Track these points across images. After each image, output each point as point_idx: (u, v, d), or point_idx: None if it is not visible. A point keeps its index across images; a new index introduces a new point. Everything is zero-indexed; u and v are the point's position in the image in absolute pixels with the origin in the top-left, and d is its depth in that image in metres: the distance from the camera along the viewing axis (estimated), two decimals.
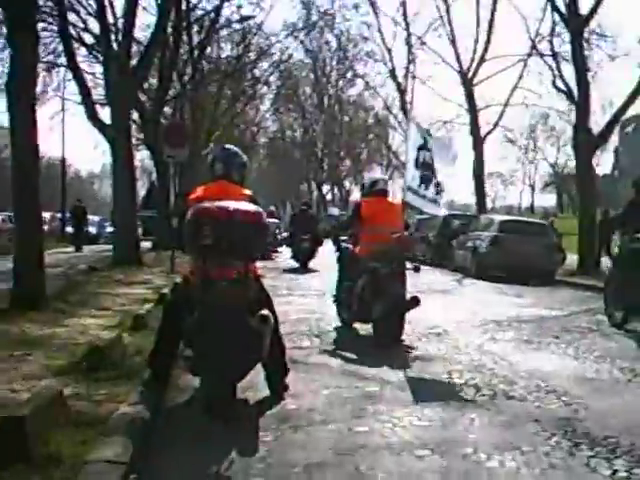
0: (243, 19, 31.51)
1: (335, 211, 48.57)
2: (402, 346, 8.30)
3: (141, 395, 5.52)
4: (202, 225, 5.17)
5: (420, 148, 8.16)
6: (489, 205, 73.14)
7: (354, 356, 7.66)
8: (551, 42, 23.28)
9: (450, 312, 11.63)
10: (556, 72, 22.64)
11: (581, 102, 21.04)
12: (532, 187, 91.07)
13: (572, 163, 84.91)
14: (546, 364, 7.39)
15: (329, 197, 69.31)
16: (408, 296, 8.51)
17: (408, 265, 8.79)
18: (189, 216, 5.26)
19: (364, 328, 9.08)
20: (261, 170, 75.84)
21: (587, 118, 21.04)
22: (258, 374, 5.80)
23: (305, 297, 13.48)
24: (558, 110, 34.06)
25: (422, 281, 17.59)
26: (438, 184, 8.16)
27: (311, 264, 19.99)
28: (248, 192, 5.97)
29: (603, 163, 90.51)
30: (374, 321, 8.44)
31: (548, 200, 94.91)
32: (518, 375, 6.80)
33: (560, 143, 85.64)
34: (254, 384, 5.95)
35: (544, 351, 8.19)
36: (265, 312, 5.29)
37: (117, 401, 5.38)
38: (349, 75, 55.75)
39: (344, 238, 9.73)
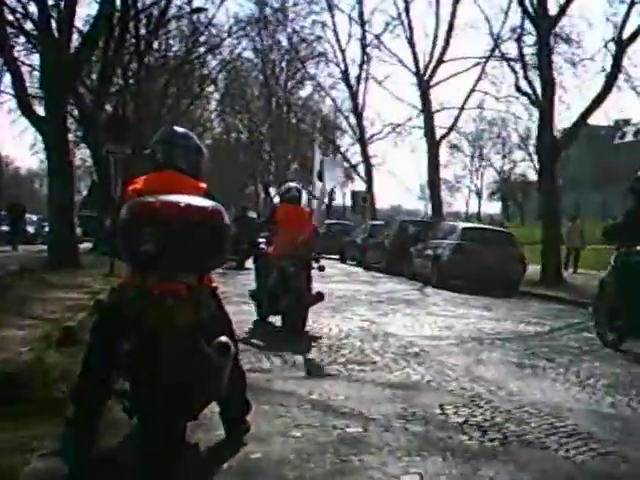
0: (194, 11, 30.14)
1: (254, 214, 47.22)
2: (380, 369, 7.13)
3: (62, 440, 4.25)
4: (140, 226, 3.88)
5: (322, 167, 9.57)
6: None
7: (326, 383, 6.45)
8: (519, 42, 22.39)
9: (422, 327, 10.52)
10: (520, 74, 21.78)
11: (546, 105, 20.19)
12: (478, 194, 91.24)
13: (519, 170, 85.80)
14: (551, 395, 6.27)
15: (277, 200, 68.01)
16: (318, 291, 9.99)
17: (314, 265, 10.03)
18: (123, 214, 3.96)
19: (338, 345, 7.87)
20: (206, 172, 73.96)
21: (552, 122, 20.20)
22: (211, 409, 4.57)
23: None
24: (515, 115, 33.31)
25: (379, 290, 16.59)
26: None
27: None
28: (203, 185, 4.67)
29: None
30: (282, 314, 9.57)
31: (494, 208, 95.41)
32: (524, 410, 5.67)
33: (506, 150, 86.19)
34: (206, 422, 4.71)
35: (543, 378, 7.07)
36: (224, 339, 4.03)
37: (28, 449, 4.12)
38: (299, 76, 54.84)
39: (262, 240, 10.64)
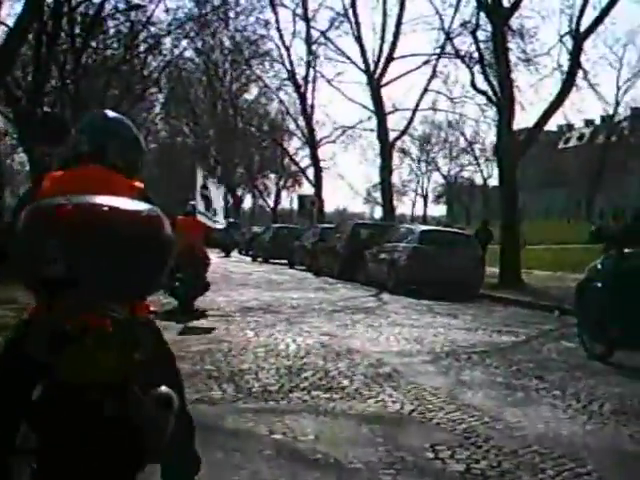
0: (130, 8, 28.74)
1: None
2: (351, 396, 6.10)
3: None
4: (43, 239, 2.74)
5: (202, 187, 11.78)
6: (380, 214, 72.80)
7: (290, 416, 5.40)
8: (474, 35, 21.55)
9: (388, 340, 9.51)
10: (477, 69, 20.99)
11: (504, 103, 19.40)
12: (424, 198, 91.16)
13: (466, 174, 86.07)
14: (557, 427, 5.31)
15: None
16: None
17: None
18: (20, 223, 2.83)
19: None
20: (151, 178, 72.54)
21: (511, 121, 19.41)
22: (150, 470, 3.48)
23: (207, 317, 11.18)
24: (466, 116, 32.67)
25: (335, 298, 15.57)
26: (215, 210, 11.97)
27: None
28: (139, 185, 3.52)
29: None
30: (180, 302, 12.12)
31: (439, 211, 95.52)
32: (532, 450, 4.69)
33: (453, 154, 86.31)
34: None
35: (539, 403, 6.11)
36: (165, 390, 2.93)
37: None
38: (244, 79, 53.66)
39: None
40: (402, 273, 17.23)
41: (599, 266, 8.34)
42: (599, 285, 8.16)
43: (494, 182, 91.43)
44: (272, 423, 5.24)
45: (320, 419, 5.40)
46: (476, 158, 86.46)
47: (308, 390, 6.35)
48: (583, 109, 72.09)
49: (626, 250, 8.04)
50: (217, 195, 12.30)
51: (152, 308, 3.34)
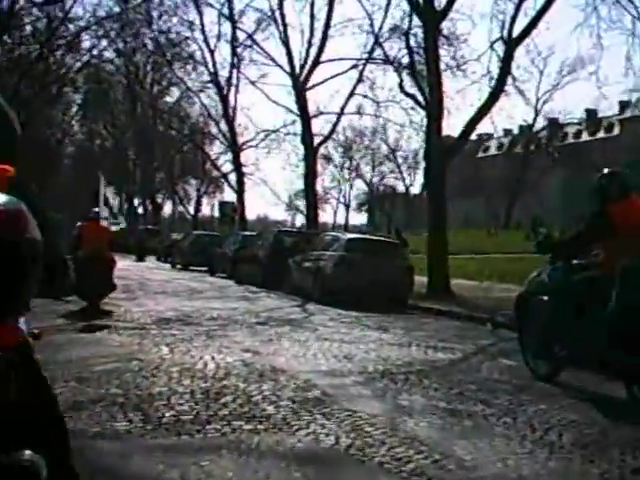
0: (47, 2, 27.37)
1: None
2: (278, 427, 5.28)
3: None
4: None
5: (105, 194, 14.96)
6: (302, 221, 71.99)
7: (207, 455, 4.57)
8: (406, 36, 20.99)
9: (316, 358, 8.73)
10: (407, 74, 20.45)
11: (433, 108, 18.90)
12: (347, 206, 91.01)
13: (389, 181, 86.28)
14: (516, 465, 4.63)
15: (140, 210, 64.91)
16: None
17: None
18: None
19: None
20: (67, 182, 70.26)
21: (440, 126, 18.93)
22: None
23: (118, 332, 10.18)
24: (392, 121, 32.24)
25: (258, 308, 14.73)
26: (116, 215, 15.39)
27: None
28: (8, 170, 2.62)
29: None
30: (88, 299, 12.75)
31: (360, 219, 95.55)
32: None
33: (375, 162, 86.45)
34: None
35: (491, 434, 5.41)
36: (27, 456, 2.09)
37: None
38: (165, 82, 52.36)
39: None
40: (328, 283, 16.49)
41: (545, 279, 7.72)
42: (545, 299, 7.53)
43: (416, 190, 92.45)
44: (185, 465, 4.40)
45: (242, 459, 4.58)
46: (398, 166, 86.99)
47: (228, 420, 5.51)
48: (513, 115, 73.03)
49: (574, 261, 7.46)
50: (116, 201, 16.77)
51: (23, 328, 2.44)
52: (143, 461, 4.54)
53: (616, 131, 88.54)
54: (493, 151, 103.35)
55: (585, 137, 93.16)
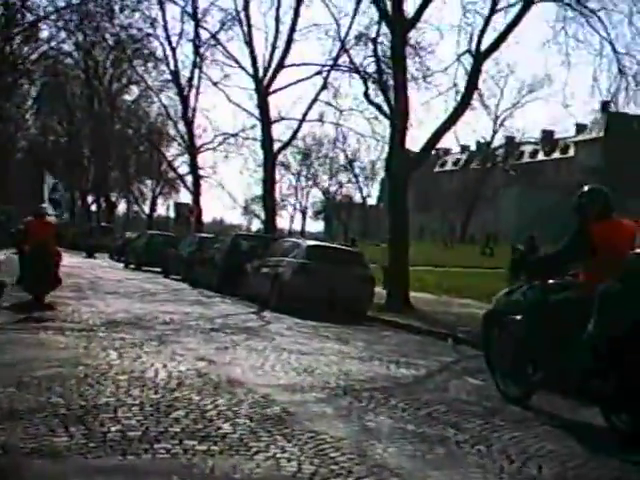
0: None
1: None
2: (234, 449, 4.80)
3: None
4: None
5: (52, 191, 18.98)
6: (258, 226, 71.39)
7: None
8: (374, 42, 20.62)
9: (274, 369, 8.25)
10: (372, 82, 20.08)
11: (398, 118, 18.55)
12: (303, 213, 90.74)
13: (346, 191, 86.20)
14: None
15: (94, 208, 63.71)
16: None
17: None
18: None
19: None
20: (21, 177, 68.73)
21: (404, 137, 18.59)
22: None
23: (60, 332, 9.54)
24: (353, 130, 31.87)
25: (213, 314, 14.21)
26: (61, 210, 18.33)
27: None
28: None
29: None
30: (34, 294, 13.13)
31: (317, 226, 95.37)
32: None
33: (333, 171, 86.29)
34: None
35: (465, 464, 4.99)
36: None
37: None
38: (125, 79, 51.48)
39: None
40: (287, 290, 16.01)
41: (520, 297, 7.33)
42: (518, 318, 7.15)
43: (373, 201, 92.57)
44: None
45: None
46: (356, 176, 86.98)
47: (180, 438, 5.01)
48: (477, 129, 73.34)
49: (551, 281, 7.09)
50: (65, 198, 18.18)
51: None
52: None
53: (571, 152, 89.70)
54: (450, 166, 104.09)
55: (541, 157, 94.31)
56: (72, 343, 8.93)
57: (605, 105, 66.11)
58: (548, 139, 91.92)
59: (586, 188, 6.98)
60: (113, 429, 5.13)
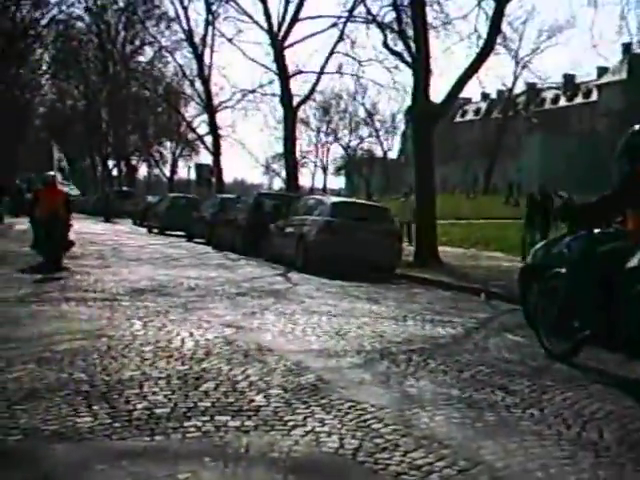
0: None
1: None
2: (269, 424, 4.46)
3: None
4: None
5: (59, 160, 17.30)
6: (280, 185, 70.94)
7: (186, 464, 3.76)
8: None
9: (305, 333, 7.90)
10: (390, 31, 19.41)
11: (420, 65, 17.95)
12: (324, 169, 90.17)
13: (366, 145, 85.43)
14: (561, 476, 3.83)
15: (115, 173, 63.55)
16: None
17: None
18: None
19: None
20: (39, 143, 68.63)
21: (427, 85, 18.00)
22: None
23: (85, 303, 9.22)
24: (374, 81, 31.18)
25: (238, 277, 13.89)
26: (67, 178, 16.46)
27: None
28: None
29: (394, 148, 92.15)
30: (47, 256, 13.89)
31: (338, 183, 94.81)
32: None
33: (352, 125, 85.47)
34: None
35: (518, 430, 4.62)
36: None
37: None
38: (138, 41, 50.87)
39: None
40: (312, 250, 15.63)
41: (564, 249, 6.90)
42: (563, 272, 6.72)
43: (394, 155, 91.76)
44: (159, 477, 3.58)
45: (229, 471, 3.76)
46: (376, 130, 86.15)
47: (210, 414, 4.69)
48: (502, 75, 71.71)
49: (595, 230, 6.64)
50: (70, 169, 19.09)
51: None
52: (106, 472, 3.71)
53: (594, 96, 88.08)
54: (471, 116, 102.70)
55: (563, 102, 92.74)
56: (95, 314, 8.62)
57: (628, 47, 64.89)
58: (570, 84, 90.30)
59: (636, 127, 6.46)
60: (139, 406, 4.81)
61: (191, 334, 7.45)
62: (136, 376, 5.62)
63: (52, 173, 15.97)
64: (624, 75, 78.97)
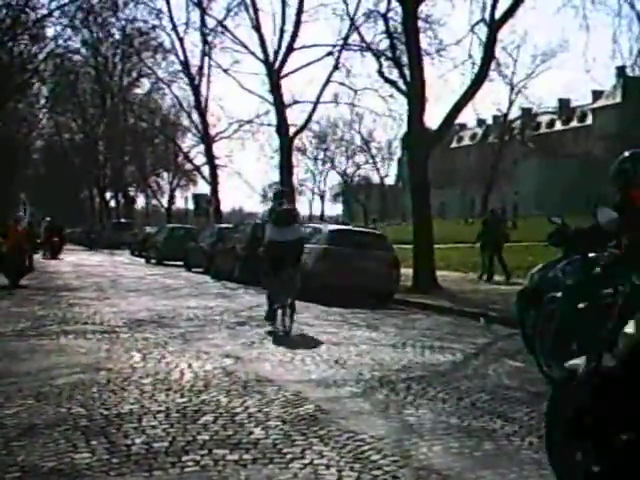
0: None
1: None
2: (267, 457, 4.45)
3: None
4: None
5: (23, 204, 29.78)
6: None
7: None
8: (385, 17, 20.08)
9: (304, 363, 7.90)
10: (385, 59, 19.56)
11: (415, 94, 18.06)
12: (322, 197, 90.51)
13: (362, 172, 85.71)
14: None
15: (113, 204, 63.69)
16: None
17: None
18: None
19: None
20: (37, 177, 68.81)
21: (422, 112, 18.11)
22: None
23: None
24: (369, 109, 31.40)
25: (237, 306, 13.87)
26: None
27: None
28: None
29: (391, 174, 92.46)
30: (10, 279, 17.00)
31: (336, 210, 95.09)
32: None
33: (349, 152, 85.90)
34: None
35: (518, 459, 4.63)
36: None
37: None
38: (135, 73, 51.17)
39: None
40: (311, 277, 15.59)
41: (558, 273, 6.92)
42: (558, 296, 6.74)
43: (391, 181, 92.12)
44: None
45: None
46: (372, 157, 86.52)
47: (209, 448, 4.68)
48: (497, 101, 72.26)
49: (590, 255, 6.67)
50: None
51: None
52: None
53: (589, 120, 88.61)
54: (467, 141, 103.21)
55: (558, 126, 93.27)
56: (94, 347, 8.62)
57: (622, 70, 65.33)
58: (565, 108, 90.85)
59: (627, 153, 6.49)
60: (138, 441, 4.81)
61: (190, 365, 7.45)
62: (135, 410, 5.62)
63: (20, 213, 21.63)
64: (618, 98, 79.51)
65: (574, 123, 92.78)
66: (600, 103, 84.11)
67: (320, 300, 14.54)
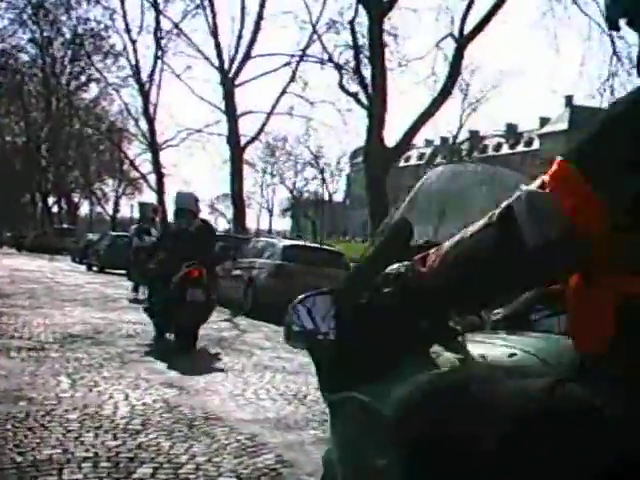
0: None
1: None
2: None
3: None
4: None
5: None
6: (225, 226, 70.00)
7: None
8: (351, 25, 19.23)
9: (258, 396, 6.95)
10: (347, 71, 18.81)
11: (376, 107, 17.30)
12: (270, 211, 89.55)
13: (312, 187, 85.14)
14: None
15: (55, 209, 61.86)
16: None
17: None
18: None
19: None
20: None
21: (382, 126, 17.35)
22: None
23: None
24: (325, 124, 30.69)
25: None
26: None
27: None
28: None
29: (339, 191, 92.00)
30: None
31: (284, 224, 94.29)
32: None
33: (298, 167, 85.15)
34: None
35: None
36: None
37: None
38: (84, 77, 49.77)
39: None
40: (262, 294, 14.70)
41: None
42: None
43: (339, 197, 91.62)
44: None
45: None
46: (321, 172, 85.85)
47: None
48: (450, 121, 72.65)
49: None
50: None
51: None
52: None
53: (536, 145, 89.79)
54: (414, 161, 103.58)
55: (505, 150, 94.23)
56: (16, 368, 7.52)
57: (569, 99, 66.02)
58: (512, 132, 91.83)
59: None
60: None
61: (126, 396, 6.43)
62: (55, 456, 4.60)
63: None
64: (565, 125, 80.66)
65: (521, 147, 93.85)
66: (547, 129, 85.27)
67: (272, 319, 13.56)
